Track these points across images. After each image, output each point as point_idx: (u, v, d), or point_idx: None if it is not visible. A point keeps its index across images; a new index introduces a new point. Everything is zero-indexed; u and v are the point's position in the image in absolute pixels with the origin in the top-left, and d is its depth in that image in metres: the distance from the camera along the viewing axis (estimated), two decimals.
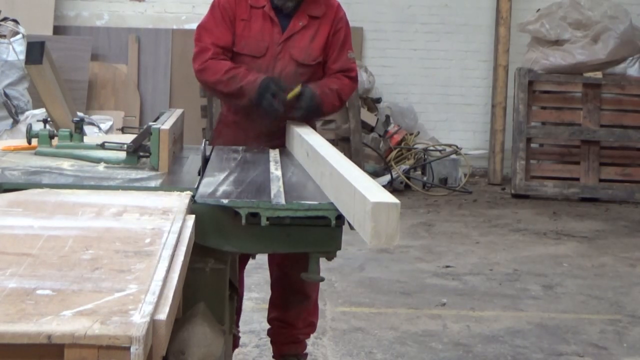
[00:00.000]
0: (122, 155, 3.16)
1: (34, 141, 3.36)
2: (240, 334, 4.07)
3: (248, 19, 3.75)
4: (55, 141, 3.35)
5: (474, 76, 10.46)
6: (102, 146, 3.23)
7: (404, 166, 9.50)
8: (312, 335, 4.63)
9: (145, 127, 3.18)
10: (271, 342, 4.00)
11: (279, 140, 3.73)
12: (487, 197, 9.32)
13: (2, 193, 2.61)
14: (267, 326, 4.03)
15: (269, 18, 3.75)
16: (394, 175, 9.28)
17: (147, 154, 3.11)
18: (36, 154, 3.27)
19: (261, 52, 3.75)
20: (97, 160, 3.17)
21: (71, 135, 3.35)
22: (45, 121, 3.48)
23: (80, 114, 7.74)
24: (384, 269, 6.12)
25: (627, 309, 5.40)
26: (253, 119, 3.77)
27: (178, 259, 2.01)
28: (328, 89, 3.76)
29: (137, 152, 3.14)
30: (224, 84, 3.69)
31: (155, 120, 3.38)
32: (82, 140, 3.38)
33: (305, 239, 2.73)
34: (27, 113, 7.85)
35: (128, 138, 3.35)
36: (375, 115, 9.76)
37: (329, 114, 3.94)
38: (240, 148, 3.63)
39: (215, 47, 3.73)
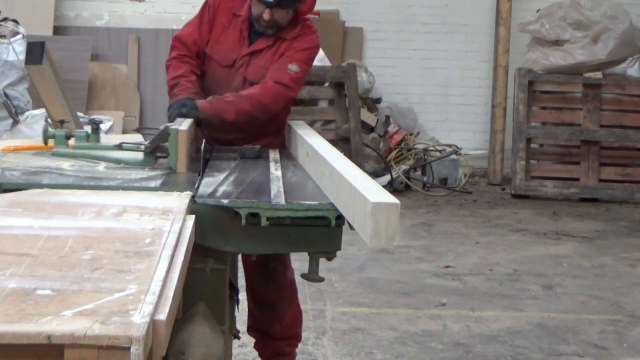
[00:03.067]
0: (140, 156, 3.15)
1: (51, 141, 3.35)
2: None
3: (227, 26, 3.71)
4: (71, 142, 3.34)
5: (474, 76, 10.46)
6: (119, 147, 3.22)
7: (404, 166, 9.49)
8: (312, 336, 4.64)
9: (162, 127, 3.16)
10: (259, 355, 3.90)
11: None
12: (487, 197, 9.32)
13: (2, 193, 2.61)
14: None
15: (241, 30, 3.70)
16: (394, 176, 9.28)
17: (165, 155, 3.11)
18: (53, 154, 3.27)
19: (228, 62, 3.70)
20: (115, 161, 3.16)
21: (88, 136, 3.34)
22: (61, 122, 3.47)
23: (80, 114, 7.73)
24: (384, 269, 6.12)
25: (627, 309, 5.40)
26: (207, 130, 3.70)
27: (178, 259, 2.01)
28: (233, 96, 3.55)
29: (155, 153, 3.13)
30: (169, 89, 3.69)
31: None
32: (98, 141, 3.37)
33: (305, 239, 2.73)
34: (27, 113, 7.85)
35: (130, 138, 3.34)
36: (375, 115, 9.76)
37: (235, 119, 3.53)
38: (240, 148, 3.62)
39: (183, 45, 3.71)
